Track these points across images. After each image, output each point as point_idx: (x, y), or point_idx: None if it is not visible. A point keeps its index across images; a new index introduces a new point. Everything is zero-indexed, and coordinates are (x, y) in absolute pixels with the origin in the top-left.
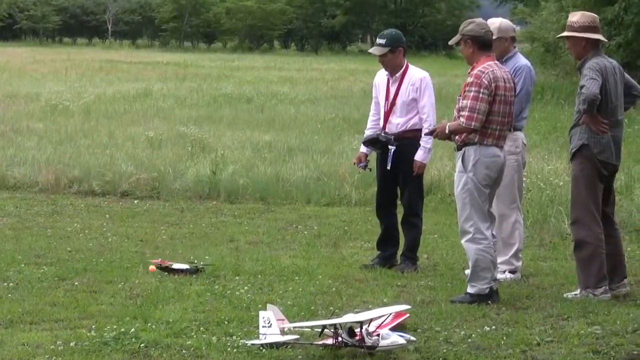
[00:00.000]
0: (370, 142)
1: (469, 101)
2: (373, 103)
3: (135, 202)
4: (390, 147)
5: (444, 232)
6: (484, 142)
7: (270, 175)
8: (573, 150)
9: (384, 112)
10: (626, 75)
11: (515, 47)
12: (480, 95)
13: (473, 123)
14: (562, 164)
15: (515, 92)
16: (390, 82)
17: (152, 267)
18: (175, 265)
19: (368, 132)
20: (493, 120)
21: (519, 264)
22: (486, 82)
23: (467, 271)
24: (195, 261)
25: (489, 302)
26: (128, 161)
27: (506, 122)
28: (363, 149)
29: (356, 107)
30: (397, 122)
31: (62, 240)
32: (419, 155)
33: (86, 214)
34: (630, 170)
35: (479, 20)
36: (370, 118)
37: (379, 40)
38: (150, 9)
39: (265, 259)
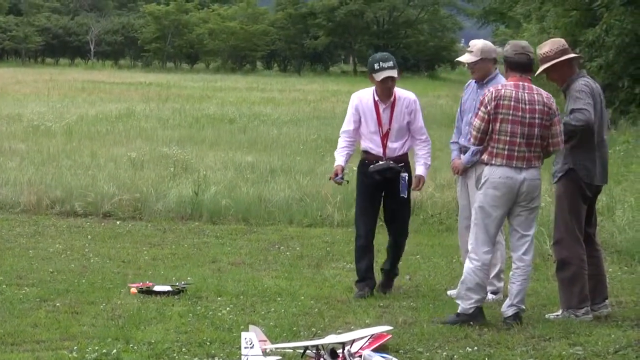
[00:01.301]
0: (381, 172)
1: (474, 120)
2: (350, 123)
3: (118, 222)
4: (402, 174)
5: (425, 253)
6: (493, 161)
7: (252, 196)
8: (559, 175)
9: (379, 137)
10: None
11: (496, 68)
12: (479, 113)
13: (472, 140)
14: (544, 185)
15: (541, 114)
16: (381, 107)
17: (133, 290)
18: (157, 288)
19: (343, 154)
20: (499, 140)
21: (501, 284)
22: (486, 100)
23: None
24: (177, 283)
25: (472, 322)
26: (110, 182)
27: (519, 143)
28: (340, 161)
29: (339, 128)
30: (395, 147)
31: (44, 261)
32: (421, 171)
33: (68, 234)
34: (612, 191)
35: (515, 41)
36: (345, 139)
37: (388, 63)
38: (133, 29)
39: (247, 279)
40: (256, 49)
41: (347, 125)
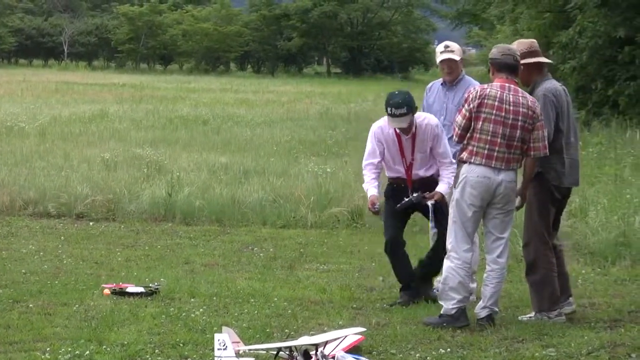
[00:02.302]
0: (407, 208)
1: (457, 115)
2: (376, 155)
3: (91, 224)
4: (429, 204)
5: None
6: (472, 160)
7: (226, 197)
8: None
9: (404, 168)
10: None
11: (462, 70)
12: (462, 110)
13: (453, 136)
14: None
15: (524, 117)
16: (404, 138)
17: (106, 291)
18: (130, 289)
19: (374, 184)
20: (480, 139)
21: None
22: (470, 98)
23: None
24: (150, 284)
25: (454, 324)
26: (84, 183)
27: (499, 144)
28: (373, 192)
29: (312, 129)
30: (420, 173)
31: (17, 262)
32: (442, 188)
33: (41, 235)
34: (585, 193)
35: (502, 44)
36: (371, 171)
37: (399, 111)
38: (107, 30)
39: (220, 281)
40: (230, 50)
41: (372, 157)
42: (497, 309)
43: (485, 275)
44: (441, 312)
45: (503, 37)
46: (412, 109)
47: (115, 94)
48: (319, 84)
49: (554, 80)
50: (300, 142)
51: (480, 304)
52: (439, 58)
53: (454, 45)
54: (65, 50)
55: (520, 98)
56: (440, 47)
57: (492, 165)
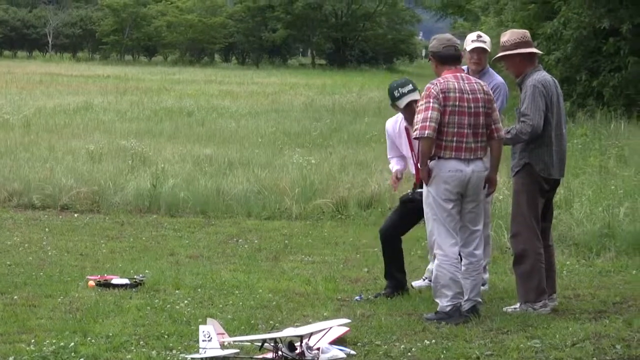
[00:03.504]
0: (405, 202)
1: (421, 114)
2: (394, 150)
3: (76, 215)
4: None
5: None
6: (441, 154)
7: (210, 188)
8: (516, 169)
9: (413, 163)
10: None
11: (487, 63)
12: (431, 105)
13: (426, 132)
14: (501, 177)
15: (484, 102)
16: (412, 132)
17: (91, 283)
18: (115, 281)
19: (396, 165)
20: (447, 132)
21: (487, 276)
22: (434, 92)
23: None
24: (135, 276)
25: (450, 321)
26: (68, 175)
27: (466, 134)
28: (396, 167)
29: (297, 120)
30: None
31: (2, 254)
32: None
33: (26, 227)
34: (570, 184)
35: (440, 35)
36: (396, 160)
37: (407, 87)
38: (91, 22)
39: (205, 272)
40: (214, 41)
41: (393, 151)
42: (480, 299)
43: (463, 269)
44: (437, 309)
45: (487, 28)
46: (415, 86)
47: (100, 86)
48: (303, 75)
49: (544, 71)
50: (285, 133)
51: (464, 297)
52: (470, 46)
53: (485, 37)
54: (50, 42)
55: (475, 85)
56: (472, 36)
57: (462, 157)
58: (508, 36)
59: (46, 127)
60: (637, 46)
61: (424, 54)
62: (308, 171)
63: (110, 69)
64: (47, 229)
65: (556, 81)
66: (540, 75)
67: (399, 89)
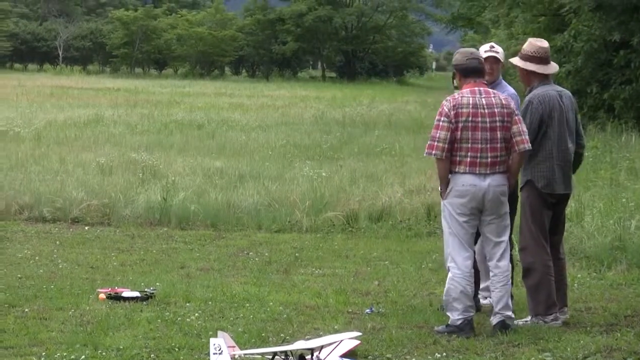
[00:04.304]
0: None
1: (432, 132)
2: None
3: (86, 228)
4: None
5: (394, 259)
6: (457, 170)
7: (221, 201)
8: (521, 185)
9: None
10: (578, 118)
11: (500, 75)
12: (440, 123)
13: (433, 152)
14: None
15: (501, 117)
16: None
17: (101, 296)
18: (126, 294)
19: None
20: (461, 148)
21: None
22: (446, 109)
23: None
24: (146, 289)
25: (460, 335)
26: (79, 187)
27: (481, 149)
28: None
29: (307, 133)
30: None
31: (13, 267)
32: None
33: (36, 240)
34: (581, 197)
35: (464, 49)
36: None
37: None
38: (101, 35)
39: (216, 285)
40: (224, 54)
41: None
42: (509, 314)
43: (489, 281)
44: (448, 322)
45: (498, 40)
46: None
47: (110, 99)
48: (313, 88)
49: (551, 85)
50: (295, 146)
51: (493, 310)
52: (483, 56)
53: (498, 48)
54: (60, 54)
55: (493, 99)
56: (485, 47)
57: (477, 172)
58: (527, 46)
59: (57, 140)
60: None
61: (434, 66)
62: (318, 184)
63: (120, 82)
64: (57, 242)
65: (565, 94)
66: (542, 90)
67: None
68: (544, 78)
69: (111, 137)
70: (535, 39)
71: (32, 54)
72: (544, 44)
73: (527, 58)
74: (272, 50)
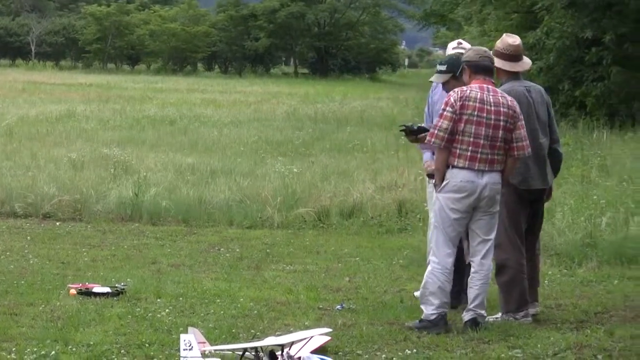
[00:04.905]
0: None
1: (435, 120)
2: None
3: (57, 224)
4: None
5: (365, 255)
6: (455, 163)
7: (192, 197)
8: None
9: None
10: (551, 112)
11: None
12: (445, 113)
13: (432, 140)
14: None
15: (506, 117)
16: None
17: (72, 292)
18: (96, 289)
19: None
20: (462, 141)
21: None
22: (452, 100)
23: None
24: (117, 284)
25: (433, 330)
26: (50, 183)
27: (482, 145)
28: None
29: (279, 129)
30: None
31: None
32: None
33: (7, 235)
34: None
35: (477, 47)
36: None
37: (440, 67)
38: (74, 30)
39: (187, 281)
40: (197, 50)
41: None
42: (482, 312)
43: (469, 277)
44: (422, 316)
45: (470, 37)
46: (452, 68)
47: (83, 94)
48: (286, 84)
49: (520, 82)
50: (267, 142)
51: (467, 306)
52: (451, 53)
53: (466, 44)
54: (33, 50)
55: (500, 98)
56: (453, 44)
57: (476, 168)
58: (499, 42)
59: (29, 135)
60: (620, 56)
61: (406, 63)
62: (290, 180)
63: (92, 77)
64: (28, 237)
65: (535, 89)
66: (509, 86)
67: (438, 64)
68: (513, 75)
69: (83, 133)
70: (508, 34)
71: (4, 49)
72: (515, 41)
73: (496, 54)
74: (244, 47)
